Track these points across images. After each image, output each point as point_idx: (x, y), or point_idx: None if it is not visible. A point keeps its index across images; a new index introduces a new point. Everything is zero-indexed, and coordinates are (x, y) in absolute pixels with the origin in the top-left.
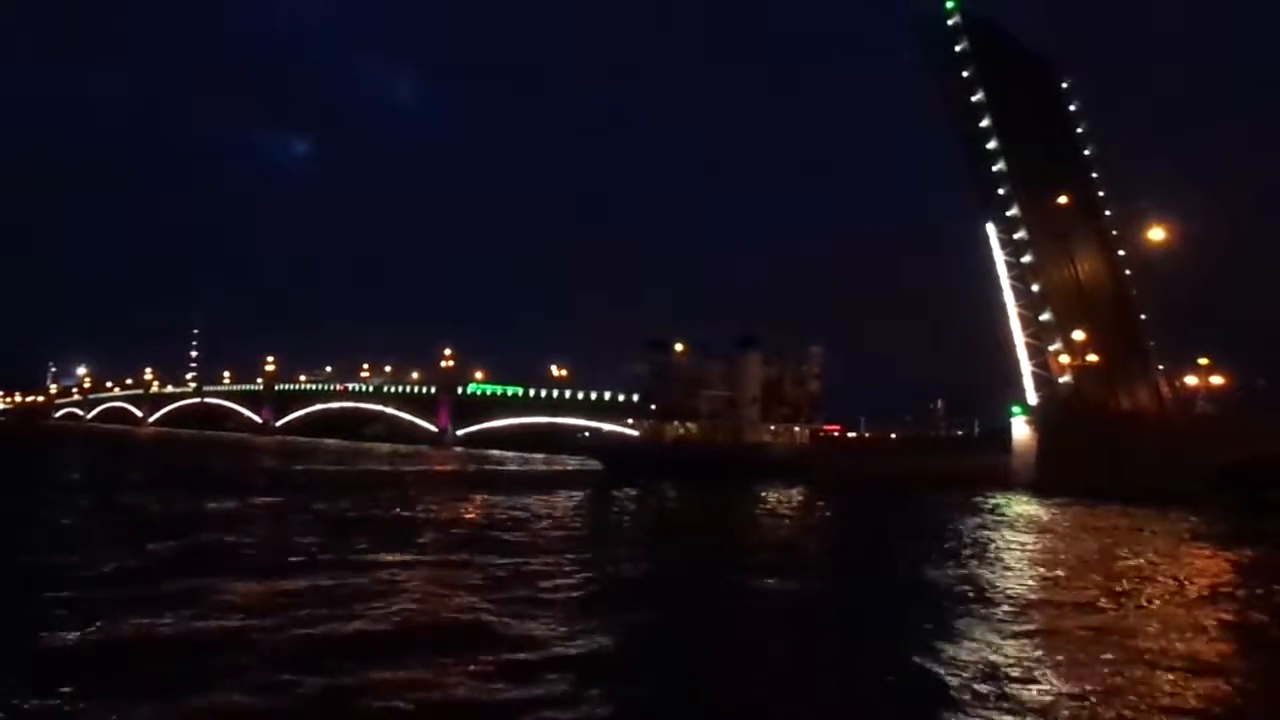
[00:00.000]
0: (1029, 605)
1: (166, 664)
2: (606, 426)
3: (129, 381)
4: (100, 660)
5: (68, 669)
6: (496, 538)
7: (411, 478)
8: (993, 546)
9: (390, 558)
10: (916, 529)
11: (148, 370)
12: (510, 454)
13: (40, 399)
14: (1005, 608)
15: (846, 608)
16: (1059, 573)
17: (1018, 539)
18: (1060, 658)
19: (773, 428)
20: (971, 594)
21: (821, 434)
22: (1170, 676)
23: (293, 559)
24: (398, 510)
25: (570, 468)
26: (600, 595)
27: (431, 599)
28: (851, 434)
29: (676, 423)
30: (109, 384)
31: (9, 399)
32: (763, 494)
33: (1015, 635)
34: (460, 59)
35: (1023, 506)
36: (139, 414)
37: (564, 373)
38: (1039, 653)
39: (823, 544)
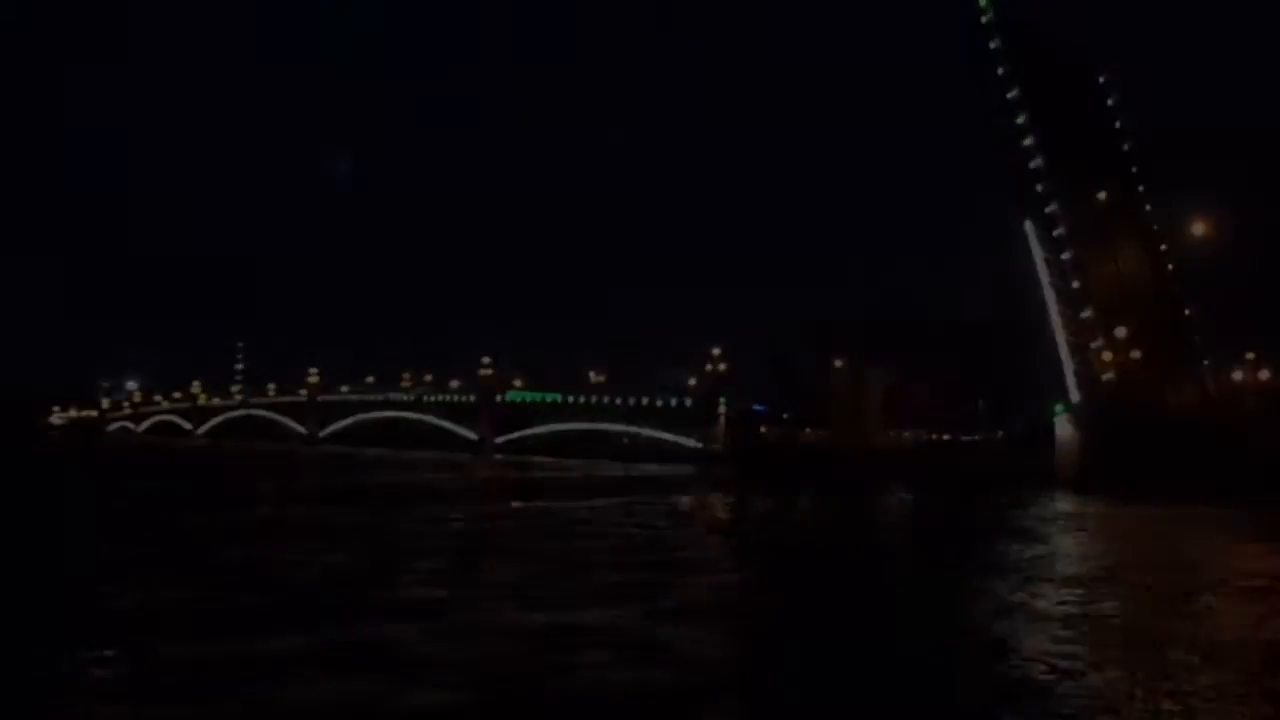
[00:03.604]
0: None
1: None
2: (645, 432)
3: (177, 395)
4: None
5: None
6: None
7: (572, 482)
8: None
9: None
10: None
11: (195, 384)
12: (549, 460)
13: (93, 414)
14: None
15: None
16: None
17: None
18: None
19: (890, 433)
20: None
21: (922, 439)
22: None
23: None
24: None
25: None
26: None
27: None
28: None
29: (809, 429)
30: (158, 398)
31: (64, 414)
32: (897, 496)
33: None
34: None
35: (1071, 506)
36: (187, 427)
37: (602, 378)
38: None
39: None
